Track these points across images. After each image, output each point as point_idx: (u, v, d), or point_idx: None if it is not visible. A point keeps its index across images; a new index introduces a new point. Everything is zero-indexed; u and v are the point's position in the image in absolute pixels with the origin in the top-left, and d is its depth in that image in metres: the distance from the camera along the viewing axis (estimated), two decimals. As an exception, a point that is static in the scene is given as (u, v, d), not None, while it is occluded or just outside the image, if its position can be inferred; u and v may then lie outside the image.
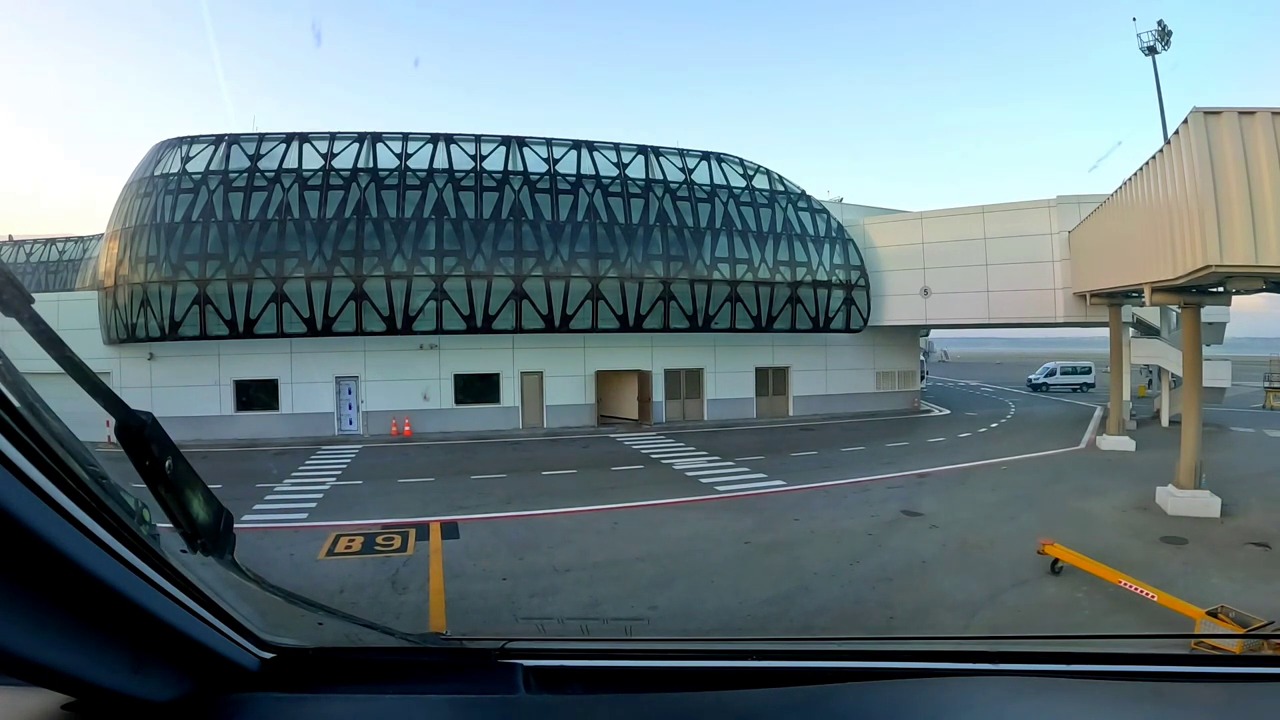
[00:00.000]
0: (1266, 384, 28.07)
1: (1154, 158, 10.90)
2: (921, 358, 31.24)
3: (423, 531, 9.89)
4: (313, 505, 11.89)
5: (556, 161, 22.03)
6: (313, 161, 20.47)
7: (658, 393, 23.50)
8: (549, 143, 22.32)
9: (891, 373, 26.95)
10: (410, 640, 1.40)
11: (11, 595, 0.68)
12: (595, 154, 22.48)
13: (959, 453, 17.05)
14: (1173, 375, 20.77)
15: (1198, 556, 8.70)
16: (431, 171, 20.79)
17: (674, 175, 22.89)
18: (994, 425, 22.53)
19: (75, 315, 18.90)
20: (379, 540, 9.52)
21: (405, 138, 21.27)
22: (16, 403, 0.71)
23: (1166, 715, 1.06)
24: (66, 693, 0.90)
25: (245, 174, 20.11)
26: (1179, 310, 13.61)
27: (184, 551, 0.99)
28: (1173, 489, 11.04)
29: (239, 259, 19.43)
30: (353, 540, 9.51)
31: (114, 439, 0.89)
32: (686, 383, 24.00)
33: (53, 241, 32.21)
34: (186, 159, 20.30)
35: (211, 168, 20.14)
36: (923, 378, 30.86)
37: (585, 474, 14.67)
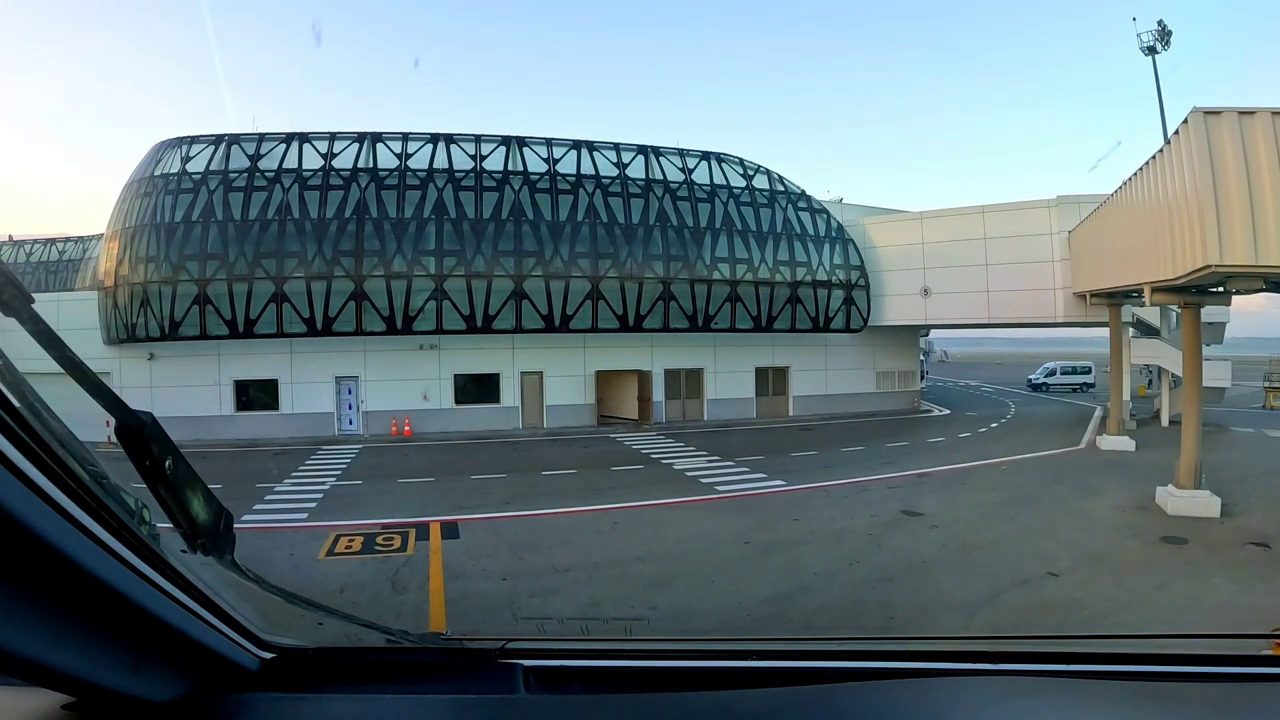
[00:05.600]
0: (1266, 384, 28.07)
1: (1154, 158, 10.90)
2: (921, 358, 31.24)
3: (423, 531, 9.89)
4: (313, 505, 11.89)
5: (556, 161, 22.03)
6: (313, 161, 20.47)
7: (658, 393, 23.50)
8: (549, 143, 22.32)
9: (891, 373, 26.95)
10: (410, 640, 1.40)
11: (11, 595, 0.68)
12: (595, 154, 22.48)
13: (959, 453, 17.04)
14: (1173, 375, 20.77)
15: (1198, 556, 8.69)
16: (431, 171, 20.79)
17: (674, 175, 22.89)
18: (994, 425, 22.53)
19: (75, 315, 18.90)
20: (379, 540, 9.51)
21: (405, 138, 21.27)
22: (16, 403, 0.71)
23: (1166, 715, 1.06)
24: (66, 693, 0.90)
25: (245, 174, 20.11)
26: (1179, 310, 13.61)
27: (184, 551, 0.99)
28: (1172, 489, 11.04)
29: (239, 259, 19.43)
30: (353, 540, 9.51)
31: (114, 439, 0.89)
32: (686, 383, 24.00)
33: (53, 241, 32.22)
34: (186, 159, 20.30)
35: (211, 168, 20.14)
36: (923, 378, 30.85)
37: (585, 474, 14.67)
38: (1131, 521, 10.44)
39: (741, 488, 13.12)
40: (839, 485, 13.18)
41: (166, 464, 0.92)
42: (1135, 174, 12.14)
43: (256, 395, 20.80)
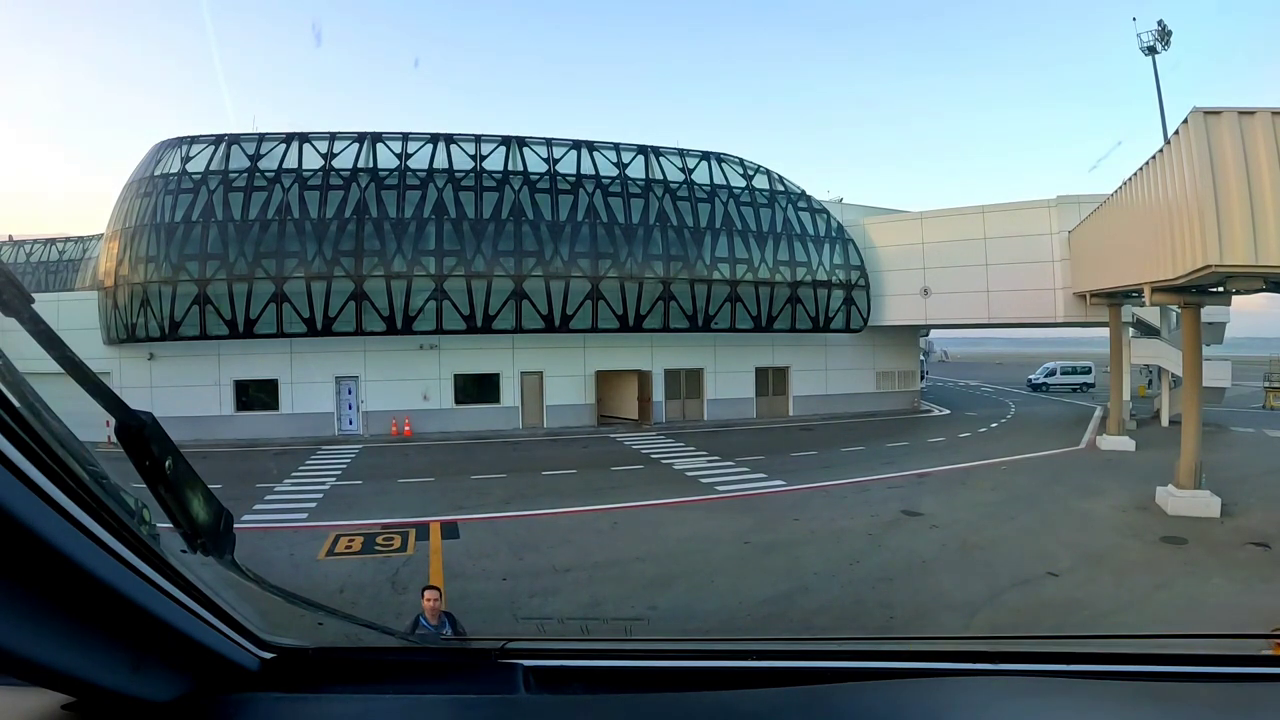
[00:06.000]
0: (1266, 384, 28.08)
1: (1154, 158, 10.90)
2: (921, 358, 31.24)
3: (423, 531, 9.90)
4: (313, 505, 11.89)
5: (556, 161, 22.03)
6: (313, 161, 20.47)
7: (658, 393, 23.49)
8: (549, 143, 22.32)
9: (891, 373, 26.95)
10: (410, 640, 1.40)
11: (11, 595, 0.68)
12: (595, 154, 22.48)
13: (959, 453, 17.05)
14: (1173, 375, 20.77)
15: (1198, 556, 8.70)
16: (431, 171, 20.79)
17: (674, 175, 22.89)
18: (994, 425, 22.53)
19: (75, 315, 18.89)
20: (379, 540, 9.52)
21: (405, 138, 21.27)
22: (16, 403, 0.71)
23: (1166, 715, 1.06)
24: (66, 693, 0.90)
25: (245, 174, 20.11)
26: (1179, 310, 13.61)
27: (184, 551, 0.99)
28: (1173, 489, 11.04)
29: (239, 259, 19.43)
30: (353, 540, 9.52)
31: (114, 439, 0.89)
32: (686, 383, 24.00)
33: (53, 241, 32.22)
34: (186, 159, 20.30)
35: (211, 168, 20.14)
36: (923, 378, 30.85)
37: (585, 474, 14.67)
38: (1131, 521, 10.44)
39: (741, 488, 13.13)
40: (839, 485, 13.18)
41: (166, 464, 0.92)
42: (1135, 174, 12.15)
43: (256, 395, 20.80)
